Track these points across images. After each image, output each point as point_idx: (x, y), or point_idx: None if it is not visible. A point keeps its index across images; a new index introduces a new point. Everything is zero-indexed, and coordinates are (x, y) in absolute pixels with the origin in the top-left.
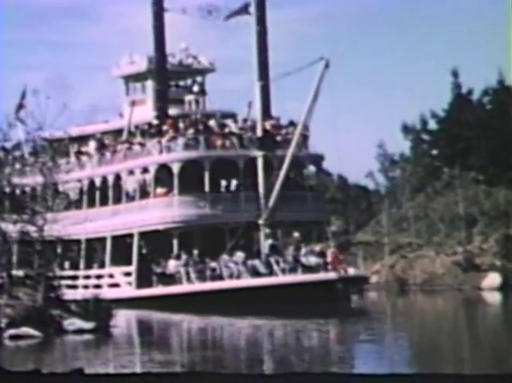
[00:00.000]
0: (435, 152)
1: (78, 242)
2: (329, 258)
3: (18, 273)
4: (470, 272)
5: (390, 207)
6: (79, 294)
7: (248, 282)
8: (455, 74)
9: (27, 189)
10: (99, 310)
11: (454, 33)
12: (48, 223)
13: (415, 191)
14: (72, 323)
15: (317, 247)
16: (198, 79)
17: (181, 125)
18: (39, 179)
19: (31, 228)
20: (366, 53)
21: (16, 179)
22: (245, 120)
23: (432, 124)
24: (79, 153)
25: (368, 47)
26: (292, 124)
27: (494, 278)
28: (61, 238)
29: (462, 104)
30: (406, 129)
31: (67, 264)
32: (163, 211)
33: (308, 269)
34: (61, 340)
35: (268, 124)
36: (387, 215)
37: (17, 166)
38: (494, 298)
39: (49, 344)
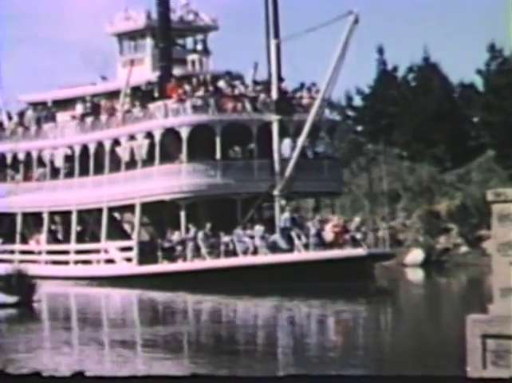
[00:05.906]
0: (359, 128)
1: (69, 213)
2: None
3: None
4: (393, 248)
5: None
6: (70, 270)
7: (268, 258)
8: (381, 51)
9: None
10: (22, 285)
11: (381, 10)
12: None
13: None
14: None
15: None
16: (200, 37)
17: (187, 87)
18: None
19: None
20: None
21: None
22: (255, 83)
23: (357, 101)
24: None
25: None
26: (303, 86)
27: (417, 254)
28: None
29: (387, 80)
30: (331, 105)
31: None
32: (170, 179)
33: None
34: None
35: (280, 87)
36: None
37: None
38: (416, 274)
39: None
